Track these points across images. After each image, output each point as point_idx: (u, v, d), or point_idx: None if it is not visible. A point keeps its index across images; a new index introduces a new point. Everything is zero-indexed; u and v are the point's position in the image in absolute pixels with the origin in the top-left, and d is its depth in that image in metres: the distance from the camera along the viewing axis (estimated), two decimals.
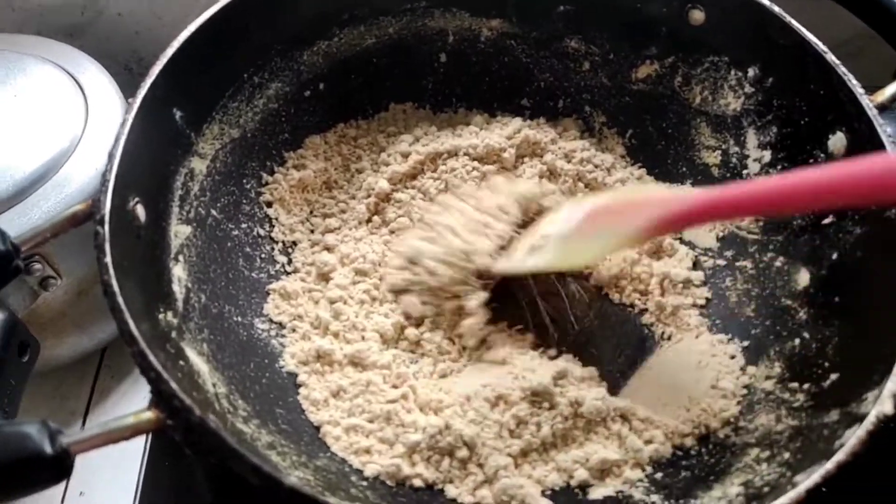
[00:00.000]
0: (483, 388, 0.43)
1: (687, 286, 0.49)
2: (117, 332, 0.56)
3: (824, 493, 0.30)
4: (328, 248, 0.51)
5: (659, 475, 0.41)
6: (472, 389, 0.43)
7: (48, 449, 0.29)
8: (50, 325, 0.53)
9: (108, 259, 0.34)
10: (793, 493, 0.30)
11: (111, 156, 0.37)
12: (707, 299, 0.49)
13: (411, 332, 0.46)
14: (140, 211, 0.39)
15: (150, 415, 0.31)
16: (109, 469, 0.51)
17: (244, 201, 0.50)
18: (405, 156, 0.54)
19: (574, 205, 0.44)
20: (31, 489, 0.30)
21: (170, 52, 0.42)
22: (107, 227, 0.35)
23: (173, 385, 0.31)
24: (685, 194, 0.43)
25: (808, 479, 0.31)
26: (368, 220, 0.52)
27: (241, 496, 0.47)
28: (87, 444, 0.30)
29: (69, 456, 0.30)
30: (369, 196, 0.52)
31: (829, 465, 0.31)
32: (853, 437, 0.32)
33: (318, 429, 0.42)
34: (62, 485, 0.52)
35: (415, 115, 0.57)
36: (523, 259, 0.45)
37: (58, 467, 0.29)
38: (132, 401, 0.60)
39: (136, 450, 0.52)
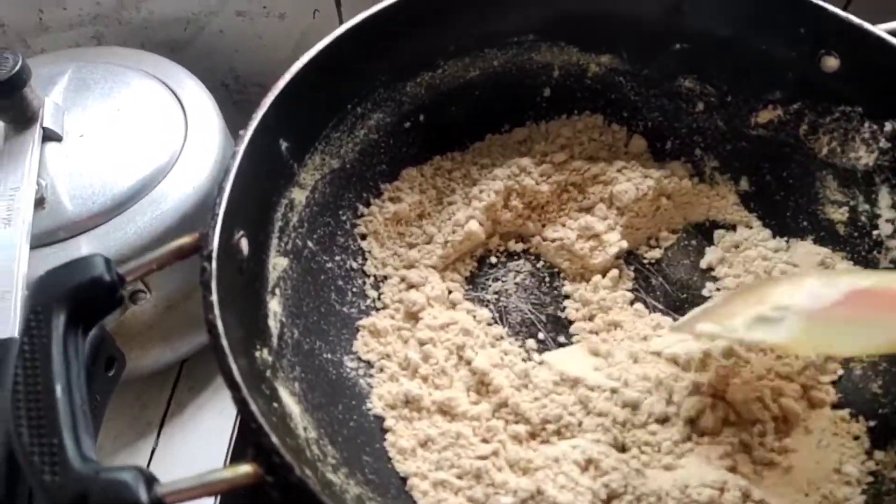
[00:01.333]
0: (572, 450, 0.40)
1: None
2: (199, 346, 0.58)
3: None
4: (413, 286, 0.49)
5: None
6: (560, 450, 0.41)
7: (144, 497, 0.28)
8: (137, 337, 0.54)
9: (215, 297, 0.33)
10: None
11: (221, 188, 0.36)
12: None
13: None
14: (244, 244, 0.38)
15: (247, 469, 0.29)
16: None
17: (339, 233, 0.49)
18: (497, 192, 0.52)
19: (824, 280, 0.37)
20: None
21: (281, 83, 0.41)
22: (214, 263, 0.34)
23: (274, 440, 0.29)
24: None
25: None
26: (445, 268, 0.51)
27: None
28: (182, 496, 0.29)
29: None
30: (454, 232, 0.51)
31: None
32: None
33: (404, 480, 0.40)
34: None
35: (510, 147, 0.56)
36: (746, 328, 0.37)
37: None
38: (208, 414, 0.60)
39: None
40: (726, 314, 0.38)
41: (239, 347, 0.34)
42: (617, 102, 0.55)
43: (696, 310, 0.42)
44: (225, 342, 0.32)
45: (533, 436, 0.42)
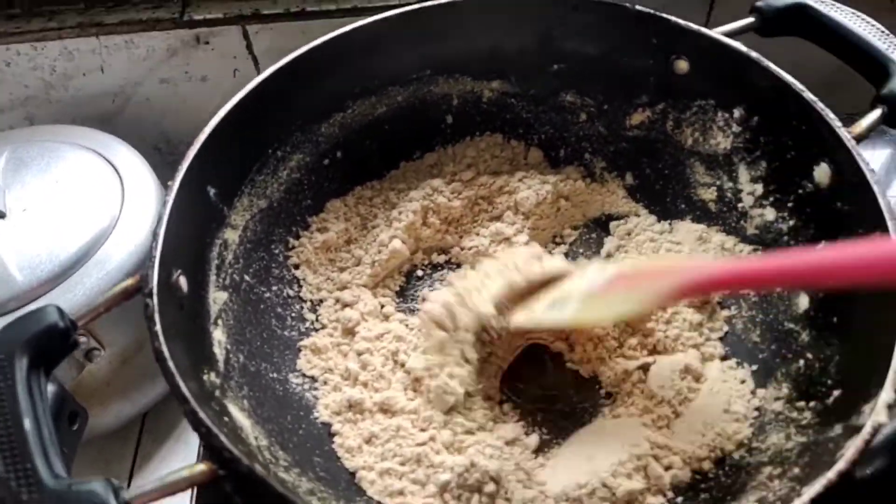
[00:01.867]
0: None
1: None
2: (158, 398, 0.61)
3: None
4: (348, 305, 0.54)
5: (680, 499, 0.42)
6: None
7: (113, 503, 0.32)
8: (95, 393, 0.57)
9: (159, 328, 0.37)
10: (797, 502, 0.32)
11: (156, 234, 0.41)
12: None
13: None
14: (183, 282, 0.43)
15: (202, 467, 0.34)
16: None
17: (273, 265, 0.54)
18: (415, 212, 0.57)
19: (599, 268, 0.46)
20: None
21: (202, 137, 0.46)
22: (155, 299, 0.38)
23: (223, 439, 0.34)
24: (708, 263, 0.44)
25: (812, 489, 0.33)
26: (376, 285, 0.56)
27: None
28: (147, 498, 0.33)
29: None
30: (380, 252, 0.55)
31: (830, 474, 0.33)
32: (852, 447, 0.34)
33: (353, 474, 0.45)
34: None
35: (423, 172, 0.61)
36: (543, 313, 0.46)
37: None
38: (174, 462, 0.63)
39: None
40: (535, 304, 0.47)
41: (187, 373, 0.38)
42: (512, 121, 0.61)
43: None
44: (171, 364, 0.36)
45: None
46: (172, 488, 0.33)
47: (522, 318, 0.47)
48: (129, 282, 0.40)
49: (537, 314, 0.46)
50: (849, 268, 0.36)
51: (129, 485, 0.62)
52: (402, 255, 0.56)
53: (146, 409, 0.64)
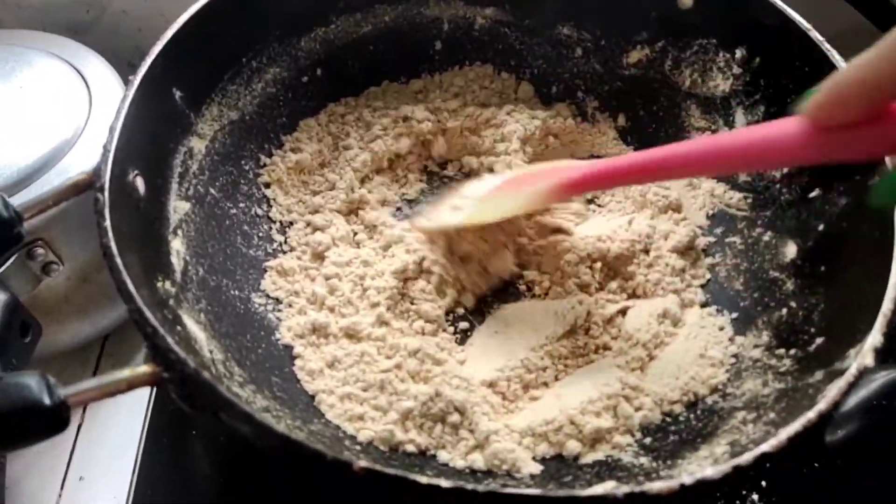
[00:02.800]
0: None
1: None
2: (118, 320, 0.59)
3: None
4: (319, 229, 0.51)
5: (648, 440, 0.41)
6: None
7: (47, 400, 0.30)
8: (53, 310, 0.54)
9: (108, 223, 0.35)
10: (774, 441, 0.31)
11: (112, 128, 0.38)
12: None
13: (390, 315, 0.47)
14: (140, 183, 0.40)
15: (145, 368, 0.32)
16: (108, 454, 0.52)
17: (242, 182, 0.51)
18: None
19: (495, 176, 0.51)
20: (30, 439, 0.30)
21: (170, 32, 0.43)
22: (106, 193, 0.36)
23: (169, 340, 0.32)
24: (581, 164, 0.47)
25: (790, 428, 0.31)
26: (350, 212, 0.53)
27: (239, 470, 0.48)
28: (84, 396, 0.31)
29: (67, 407, 0.30)
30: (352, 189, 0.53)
31: (811, 413, 0.32)
32: (834, 388, 0.32)
33: (312, 397, 0.43)
34: (62, 470, 0.53)
35: (406, 95, 0.58)
36: (445, 217, 0.49)
37: (55, 418, 0.30)
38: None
39: (133, 434, 0.53)
40: (435, 211, 0.51)
41: (137, 275, 0.36)
42: (504, 52, 0.59)
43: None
44: (119, 261, 0.34)
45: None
46: (112, 388, 0.31)
47: (425, 223, 0.50)
48: (81, 176, 0.38)
49: (439, 218, 0.49)
50: (722, 155, 0.38)
51: (84, 409, 0.60)
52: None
53: (106, 332, 0.61)
